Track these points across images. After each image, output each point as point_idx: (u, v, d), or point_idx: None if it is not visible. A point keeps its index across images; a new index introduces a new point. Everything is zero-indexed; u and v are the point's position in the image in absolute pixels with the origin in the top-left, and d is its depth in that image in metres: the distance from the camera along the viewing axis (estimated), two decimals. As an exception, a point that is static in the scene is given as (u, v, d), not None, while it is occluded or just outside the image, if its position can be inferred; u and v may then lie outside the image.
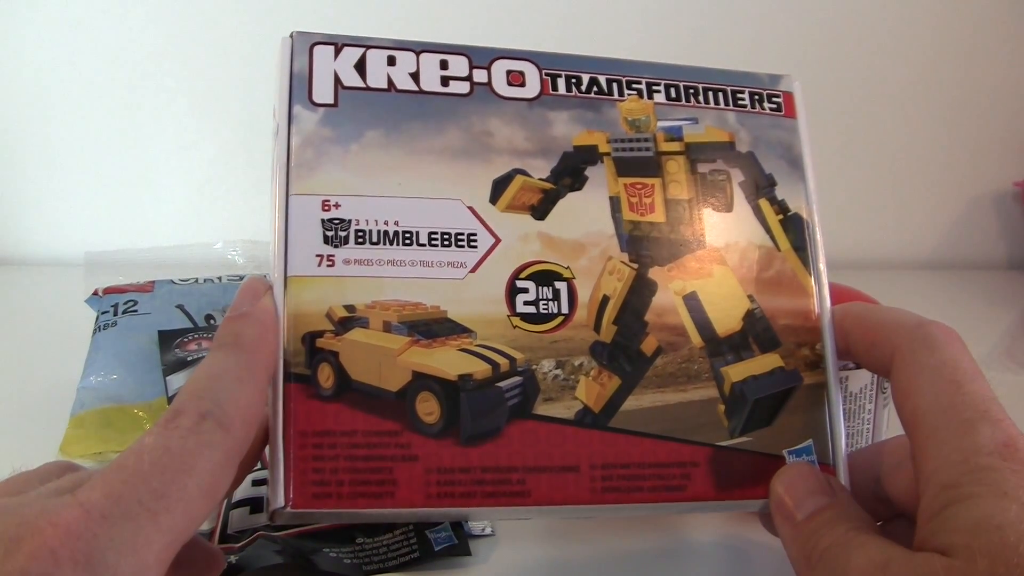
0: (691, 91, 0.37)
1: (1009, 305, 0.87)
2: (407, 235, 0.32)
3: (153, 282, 0.62)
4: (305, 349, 0.30)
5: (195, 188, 0.88)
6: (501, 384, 0.32)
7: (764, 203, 0.36)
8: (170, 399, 0.50)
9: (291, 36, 0.33)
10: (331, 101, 0.33)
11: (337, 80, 0.33)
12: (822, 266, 0.36)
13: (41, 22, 0.82)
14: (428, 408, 0.31)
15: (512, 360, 0.32)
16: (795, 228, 0.36)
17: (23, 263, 0.89)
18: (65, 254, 0.85)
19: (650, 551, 0.41)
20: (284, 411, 0.30)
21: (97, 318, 0.58)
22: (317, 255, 0.31)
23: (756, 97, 0.37)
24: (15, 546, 0.21)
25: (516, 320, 0.32)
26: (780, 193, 0.36)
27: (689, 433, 0.33)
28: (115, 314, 0.58)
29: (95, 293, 0.61)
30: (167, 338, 0.56)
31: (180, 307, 0.59)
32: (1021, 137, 0.97)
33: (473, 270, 0.32)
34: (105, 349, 0.55)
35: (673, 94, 0.36)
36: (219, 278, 0.64)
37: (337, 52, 0.33)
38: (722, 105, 0.37)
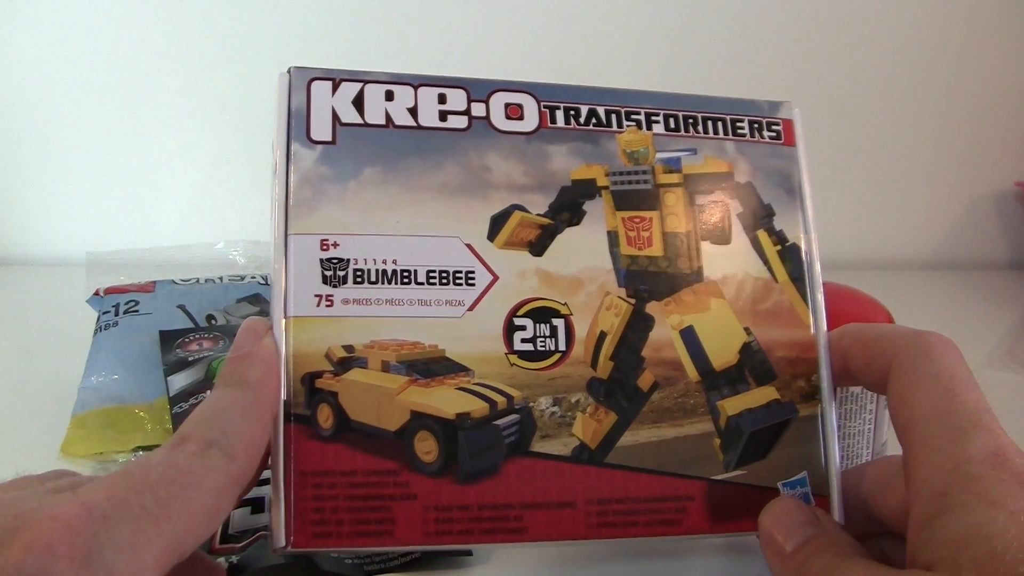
0: (690, 121, 0.37)
1: (1010, 305, 0.87)
2: (405, 274, 0.32)
3: (154, 282, 0.62)
4: (305, 390, 0.31)
5: (196, 188, 0.89)
6: (499, 422, 0.32)
7: (762, 234, 0.36)
8: (171, 399, 0.51)
9: (288, 72, 0.33)
10: (329, 138, 0.33)
11: (335, 116, 0.33)
12: (819, 296, 0.36)
13: (42, 22, 0.82)
14: (426, 447, 0.31)
15: (510, 398, 0.32)
16: (793, 259, 0.36)
17: (24, 263, 0.90)
18: (66, 254, 0.86)
19: (653, 551, 0.41)
20: (285, 452, 0.30)
21: (98, 318, 0.59)
22: (316, 295, 0.32)
23: (756, 126, 0.37)
24: (10, 539, 0.21)
25: (514, 358, 0.33)
26: (778, 223, 0.36)
27: (685, 467, 0.33)
28: (116, 314, 0.58)
29: (96, 293, 0.61)
30: (168, 338, 0.56)
31: (181, 307, 0.60)
32: (1022, 137, 0.97)
33: (471, 308, 0.33)
34: (106, 349, 0.55)
35: (672, 124, 0.36)
36: (220, 278, 0.64)
37: (335, 87, 0.33)
38: (721, 135, 0.37)
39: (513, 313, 0.33)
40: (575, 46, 0.88)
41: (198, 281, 0.63)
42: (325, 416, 0.31)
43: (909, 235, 0.98)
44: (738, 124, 0.37)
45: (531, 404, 0.33)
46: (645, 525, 0.33)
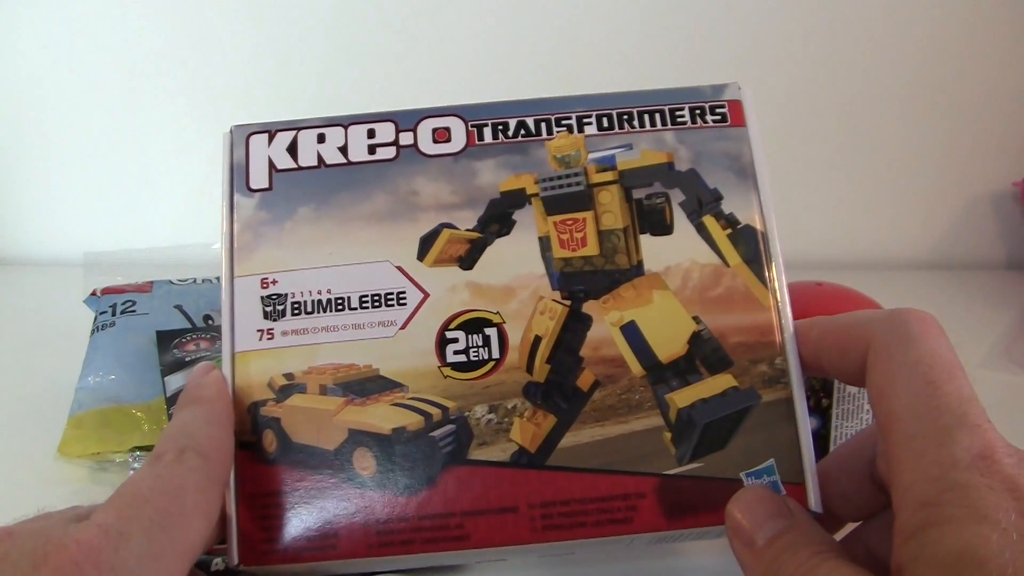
0: (624, 117, 0.36)
1: (1008, 305, 0.83)
2: (339, 301, 0.34)
3: (151, 282, 0.63)
4: (250, 418, 0.33)
5: (193, 188, 0.87)
6: (434, 433, 0.33)
7: (709, 219, 0.35)
8: (168, 399, 0.52)
9: (230, 131, 0.37)
10: (266, 185, 0.36)
11: (271, 165, 0.36)
12: (780, 276, 0.34)
13: (40, 22, 0.83)
14: (364, 463, 0.33)
15: (444, 409, 0.33)
16: (746, 240, 0.35)
17: (21, 263, 0.90)
18: (63, 254, 0.87)
19: (653, 551, 0.40)
20: (234, 476, 0.32)
21: (95, 318, 0.59)
22: (258, 330, 0.34)
23: (697, 111, 0.36)
24: (42, 561, 0.25)
25: (447, 370, 0.34)
26: (727, 206, 0.35)
27: (633, 464, 0.33)
28: (113, 314, 0.59)
29: (93, 293, 0.62)
30: (165, 338, 0.57)
31: (178, 307, 0.60)
32: (1021, 137, 0.91)
33: (403, 327, 0.34)
34: (103, 349, 0.56)
35: (605, 123, 0.36)
36: (217, 279, 0.61)
37: (271, 139, 0.36)
38: (659, 126, 0.36)
39: (445, 327, 0.34)
40: (531, 59, 0.87)
41: (195, 281, 0.64)
42: (269, 440, 0.33)
43: (907, 235, 0.94)
44: (677, 113, 0.36)
45: (466, 413, 0.33)
46: (593, 526, 0.32)
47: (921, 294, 0.83)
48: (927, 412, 0.26)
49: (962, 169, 0.91)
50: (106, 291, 0.62)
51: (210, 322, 0.60)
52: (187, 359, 0.55)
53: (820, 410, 0.42)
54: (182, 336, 0.57)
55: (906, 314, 0.29)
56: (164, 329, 0.58)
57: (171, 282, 0.63)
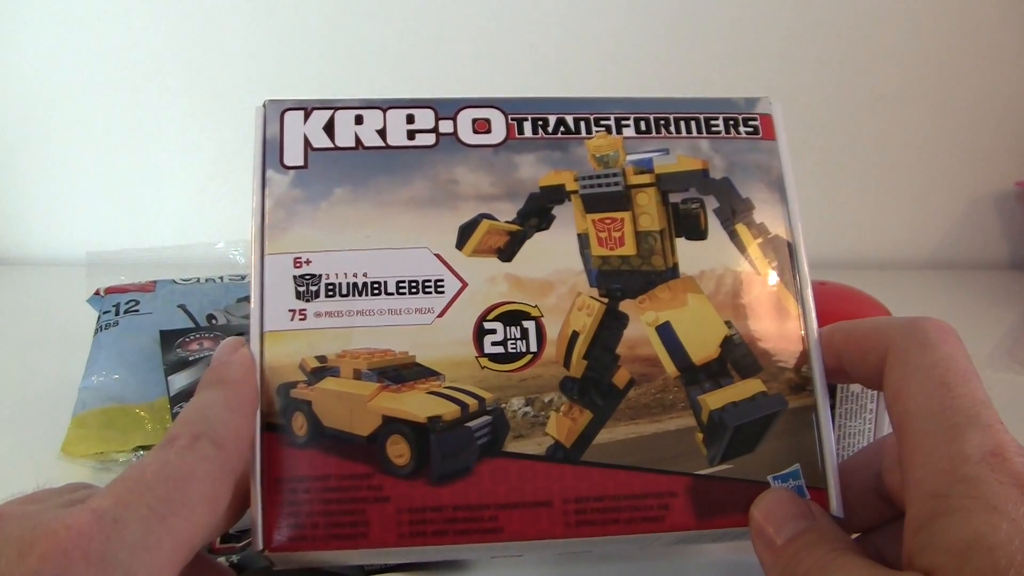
0: (662, 122, 0.37)
1: (1010, 305, 0.85)
2: (375, 285, 0.34)
3: (155, 282, 0.63)
4: (279, 399, 0.32)
5: (197, 187, 0.88)
6: (470, 424, 0.33)
7: (741, 227, 0.36)
8: (172, 399, 0.51)
9: (263, 105, 0.36)
10: (301, 163, 0.35)
11: (307, 143, 0.35)
12: (807, 288, 0.35)
13: (42, 22, 0.83)
14: (399, 451, 0.32)
15: (481, 400, 0.33)
16: (776, 250, 0.36)
17: (25, 263, 0.90)
18: (67, 254, 0.86)
19: (664, 551, 0.41)
20: (261, 459, 0.31)
21: (99, 318, 0.59)
22: (290, 310, 0.33)
23: (731, 122, 0.37)
24: (29, 548, 0.23)
25: (484, 361, 0.33)
26: (759, 217, 0.36)
27: (666, 463, 0.33)
28: (117, 314, 0.59)
29: (97, 293, 0.62)
30: (169, 338, 0.56)
31: (182, 307, 0.60)
32: (1022, 137, 0.94)
33: (441, 315, 0.33)
34: (107, 349, 0.56)
35: (643, 127, 0.37)
36: (221, 278, 0.64)
37: (307, 116, 0.35)
38: (695, 133, 0.37)
39: (483, 318, 0.34)
40: (556, 58, 0.87)
41: (198, 281, 0.64)
42: (299, 424, 0.32)
43: (909, 235, 0.97)
44: (712, 122, 0.37)
45: (503, 405, 0.33)
46: (626, 523, 0.32)
47: (923, 294, 0.85)
48: (941, 411, 0.27)
49: (965, 169, 0.93)
50: (109, 291, 0.62)
51: (213, 321, 0.59)
52: (190, 359, 0.55)
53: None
54: (185, 336, 0.57)
55: (925, 322, 0.30)
56: (167, 328, 0.58)
57: (174, 281, 0.63)
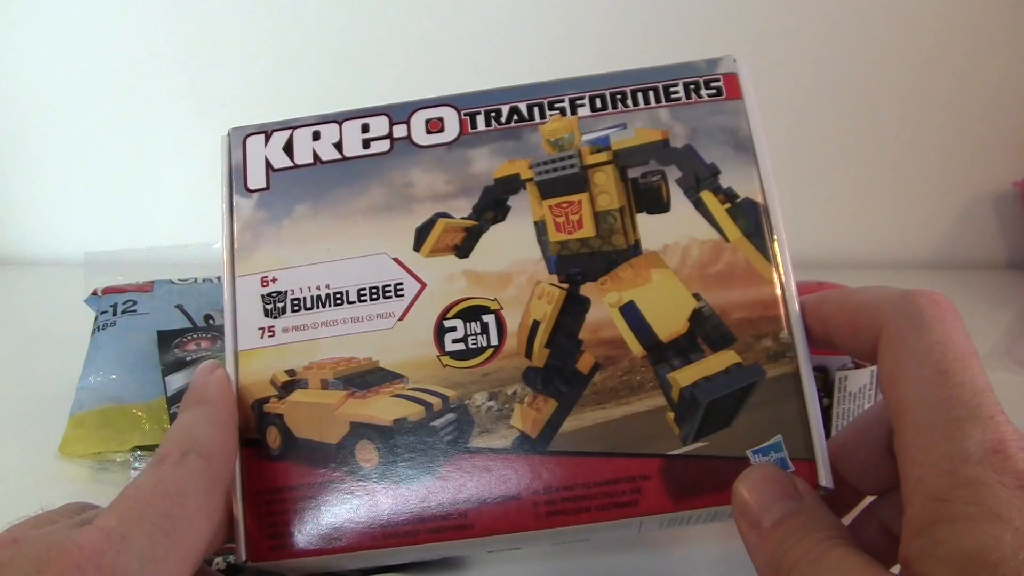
0: (618, 97, 0.36)
1: (1009, 305, 0.82)
2: (338, 296, 0.34)
3: (152, 282, 0.63)
4: (255, 415, 0.34)
5: (194, 188, 0.87)
6: (435, 423, 0.33)
7: (707, 195, 0.34)
8: (169, 399, 0.52)
9: (228, 134, 0.37)
10: (263, 185, 0.36)
11: (268, 164, 0.36)
12: (783, 248, 0.34)
13: (41, 22, 0.83)
14: (367, 455, 0.33)
15: (444, 398, 0.33)
16: (745, 214, 0.34)
17: (22, 263, 0.90)
18: (64, 254, 0.87)
19: (664, 539, 0.40)
20: (240, 473, 0.33)
21: (96, 318, 0.59)
22: (260, 328, 0.34)
23: (692, 87, 0.36)
24: (45, 567, 0.25)
25: (446, 359, 0.34)
26: (726, 181, 0.35)
27: (636, 446, 0.32)
28: (114, 314, 0.59)
29: (94, 293, 0.62)
30: (166, 338, 0.56)
31: (179, 307, 0.60)
32: (1021, 137, 0.89)
33: (401, 318, 0.34)
34: (104, 349, 0.56)
35: (599, 104, 0.36)
36: (218, 278, 0.62)
37: (267, 139, 0.37)
38: (653, 104, 0.36)
39: (443, 316, 0.34)
40: (522, 47, 0.85)
41: (196, 281, 0.64)
42: (273, 437, 0.33)
43: (908, 235, 0.93)
44: (672, 89, 0.36)
45: (467, 402, 0.33)
46: (598, 510, 0.32)
47: (922, 294, 0.81)
48: (939, 403, 0.25)
49: (963, 169, 0.91)
50: (107, 291, 0.62)
51: (211, 322, 0.60)
52: (188, 359, 0.55)
53: (821, 409, 0.41)
54: (183, 336, 0.57)
55: (919, 297, 0.28)
56: (165, 329, 0.58)
57: (172, 282, 0.63)
